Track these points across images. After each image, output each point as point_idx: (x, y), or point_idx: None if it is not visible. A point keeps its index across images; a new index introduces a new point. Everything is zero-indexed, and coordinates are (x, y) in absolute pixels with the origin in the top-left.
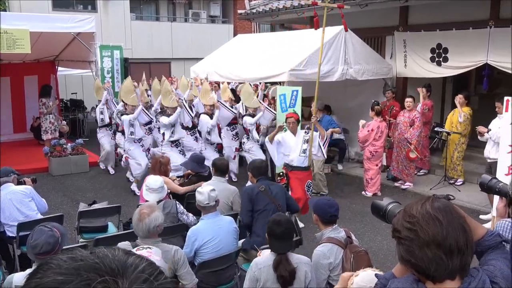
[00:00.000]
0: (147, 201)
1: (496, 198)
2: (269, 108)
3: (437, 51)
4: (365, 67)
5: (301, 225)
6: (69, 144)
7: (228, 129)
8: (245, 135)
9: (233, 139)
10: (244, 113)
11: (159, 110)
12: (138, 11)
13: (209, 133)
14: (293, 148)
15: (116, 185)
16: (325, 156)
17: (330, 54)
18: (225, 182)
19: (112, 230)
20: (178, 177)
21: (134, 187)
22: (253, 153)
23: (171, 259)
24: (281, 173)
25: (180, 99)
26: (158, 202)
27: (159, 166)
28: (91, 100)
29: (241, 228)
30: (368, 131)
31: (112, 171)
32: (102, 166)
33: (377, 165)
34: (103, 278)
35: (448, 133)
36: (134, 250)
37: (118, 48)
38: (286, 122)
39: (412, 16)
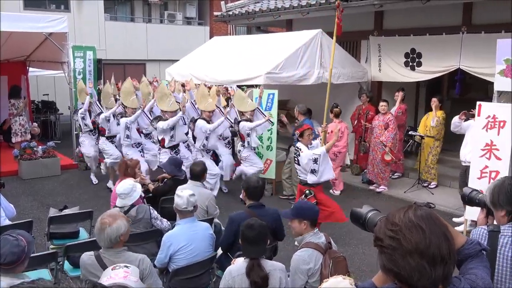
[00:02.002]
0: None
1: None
2: (261, 111)
3: (411, 55)
4: (341, 71)
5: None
6: (40, 147)
7: (220, 136)
8: (240, 142)
9: (227, 146)
10: (241, 119)
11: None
12: (112, 12)
13: (206, 138)
14: (319, 172)
15: (88, 189)
16: None
17: (306, 57)
18: (200, 186)
19: (83, 236)
20: (152, 181)
21: (110, 184)
22: (250, 161)
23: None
24: (307, 192)
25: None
26: (132, 207)
27: (124, 168)
28: (63, 101)
29: (217, 234)
30: (328, 133)
31: (94, 181)
32: (94, 180)
33: (341, 166)
34: None
35: (422, 137)
36: (110, 269)
37: (91, 49)
38: (305, 135)
39: (386, 21)
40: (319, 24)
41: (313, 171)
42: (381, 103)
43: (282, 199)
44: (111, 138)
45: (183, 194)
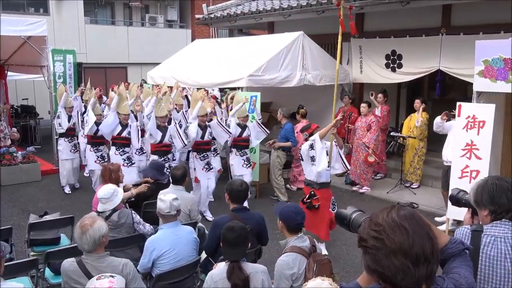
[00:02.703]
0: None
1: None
2: (261, 125)
3: (391, 57)
4: (323, 72)
5: (324, 251)
6: (19, 152)
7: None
8: (231, 149)
9: (212, 154)
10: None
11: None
12: (92, 15)
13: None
14: (317, 161)
15: (69, 194)
16: (348, 168)
17: (288, 59)
18: (182, 190)
19: (65, 242)
20: (134, 185)
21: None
22: (233, 171)
23: (120, 274)
24: (312, 192)
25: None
26: (114, 211)
27: (109, 174)
28: (43, 106)
29: (201, 238)
30: (297, 133)
31: (67, 190)
32: (67, 190)
33: None
34: None
35: (404, 138)
36: (95, 279)
37: (71, 52)
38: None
39: (367, 23)
40: (300, 26)
41: (312, 159)
42: (362, 104)
43: (272, 199)
44: (96, 146)
45: (166, 198)
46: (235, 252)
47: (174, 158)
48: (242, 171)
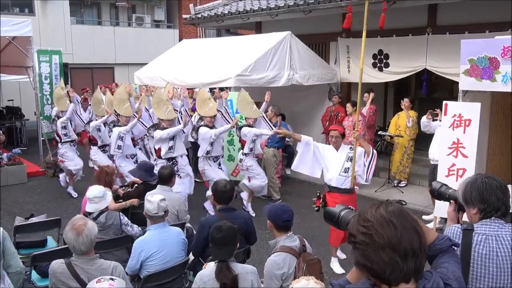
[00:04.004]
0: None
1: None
2: (267, 120)
3: (378, 57)
4: (311, 72)
5: (342, 256)
6: (5, 154)
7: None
8: (241, 151)
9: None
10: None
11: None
12: (78, 15)
13: (211, 144)
14: (332, 165)
15: (57, 196)
16: (368, 181)
17: (276, 59)
18: (169, 191)
19: (51, 244)
20: (121, 186)
21: (70, 189)
22: (253, 172)
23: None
24: (317, 193)
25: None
26: (101, 213)
27: (105, 176)
28: (29, 107)
29: (189, 238)
30: None
31: (74, 194)
32: (74, 193)
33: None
34: None
35: (391, 137)
36: (95, 281)
37: (57, 53)
38: (328, 135)
39: (354, 23)
40: (288, 26)
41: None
42: (347, 104)
43: (262, 198)
44: (103, 148)
45: (154, 199)
46: (222, 252)
47: None
48: (259, 169)
